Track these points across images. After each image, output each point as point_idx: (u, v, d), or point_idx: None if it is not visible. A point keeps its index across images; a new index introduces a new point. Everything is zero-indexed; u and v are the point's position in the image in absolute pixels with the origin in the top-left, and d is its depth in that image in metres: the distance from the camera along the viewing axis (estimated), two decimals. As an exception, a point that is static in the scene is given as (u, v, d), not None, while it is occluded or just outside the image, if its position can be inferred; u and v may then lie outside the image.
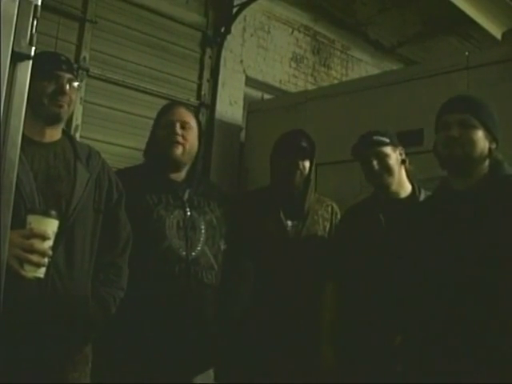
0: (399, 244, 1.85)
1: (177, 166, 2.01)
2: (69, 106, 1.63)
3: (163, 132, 2.00)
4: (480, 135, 1.61)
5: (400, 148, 2.15)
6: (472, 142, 1.60)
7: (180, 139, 1.97)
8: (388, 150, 2.10)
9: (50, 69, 1.59)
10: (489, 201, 1.56)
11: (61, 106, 1.60)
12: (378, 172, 2.09)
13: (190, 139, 2.01)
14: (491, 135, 1.63)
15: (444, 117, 1.67)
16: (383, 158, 2.09)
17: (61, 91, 1.60)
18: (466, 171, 1.64)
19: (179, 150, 1.97)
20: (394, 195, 2.12)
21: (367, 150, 2.12)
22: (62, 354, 1.53)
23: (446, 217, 1.64)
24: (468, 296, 1.51)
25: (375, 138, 2.11)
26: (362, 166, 2.16)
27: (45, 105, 1.58)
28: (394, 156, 2.11)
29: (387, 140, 2.11)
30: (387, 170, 2.09)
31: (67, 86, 1.61)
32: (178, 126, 1.99)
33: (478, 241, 1.52)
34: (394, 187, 2.11)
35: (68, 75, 1.63)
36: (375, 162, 2.09)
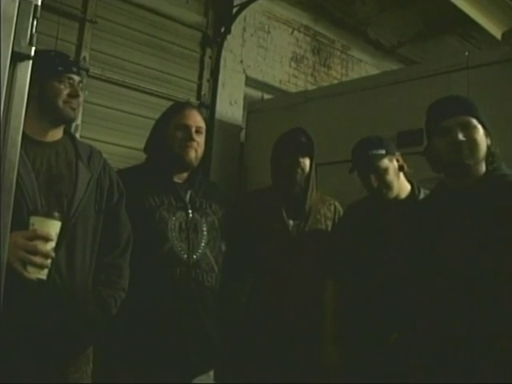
0: (398, 243, 1.85)
1: (187, 169, 2.02)
2: (79, 107, 1.66)
3: (177, 134, 1.98)
4: (481, 134, 1.61)
5: (397, 154, 2.11)
6: (477, 144, 1.60)
7: (195, 144, 1.99)
8: (385, 163, 2.06)
9: (62, 71, 1.61)
10: (484, 200, 1.56)
11: (75, 109, 1.63)
12: (376, 188, 2.07)
13: (201, 144, 2.03)
14: (487, 131, 1.63)
15: (443, 122, 1.64)
16: (381, 174, 2.06)
17: (75, 94, 1.62)
18: (468, 173, 1.63)
19: (193, 154, 1.99)
20: (393, 197, 2.11)
21: (364, 167, 2.08)
22: (64, 355, 1.53)
23: (442, 216, 1.64)
24: (465, 293, 1.51)
25: (370, 152, 2.05)
26: (361, 180, 2.13)
27: (59, 107, 1.59)
28: (391, 167, 2.07)
29: (383, 151, 2.06)
30: (386, 185, 2.07)
31: (79, 89, 1.64)
32: (193, 130, 1.99)
33: (475, 239, 1.52)
34: (392, 195, 2.10)
35: (78, 78, 1.66)
36: (373, 179, 2.06)
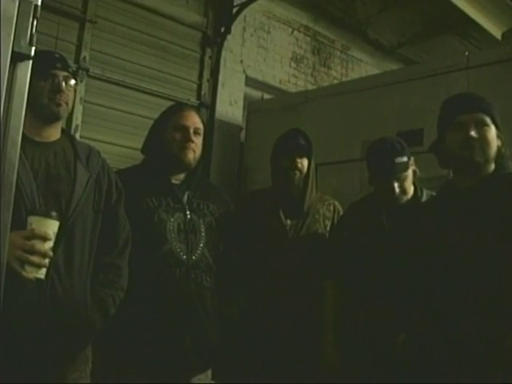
0: (402, 243, 1.85)
1: (185, 170, 2.02)
2: (67, 103, 1.64)
3: (175, 135, 1.99)
4: (493, 133, 1.61)
5: (412, 159, 2.10)
6: (488, 142, 1.60)
7: (193, 146, 1.99)
8: (408, 171, 2.06)
9: (45, 68, 1.59)
10: (491, 198, 1.56)
11: (59, 104, 1.61)
12: (397, 195, 2.05)
13: (199, 145, 2.03)
14: (499, 132, 1.63)
15: (458, 117, 1.63)
16: (404, 181, 2.05)
17: (58, 89, 1.60)
18: (477, 171, 1.62)
19: (191, 156, 1.99)
20: None
21: (390, 175, 2.04)
22: (62, 355, 1.53)
23: (449, 215, 1.63)
24: (471, 293, 1.50)
25: (397, 160, 2.02)
26: (379, 185, 2.11)
27: (44, 104, 1.58)
28: (410, 174, 2.07)
29: (407, 159, 2.05)
30: (405, 191, 2.06)
31: (63, 84, 1.62)
32: (192, 131, 2.00)
33: (480, 238, 1.52)
34: (406, 200, 2.09)
35: (63, 73, 1.63)
36: (397, 186, 2.03)
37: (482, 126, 1.60)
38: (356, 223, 2.15)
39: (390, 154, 2.04)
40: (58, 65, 1.63)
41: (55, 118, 1.63)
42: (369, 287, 2.00)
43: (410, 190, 2.09)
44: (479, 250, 1.52)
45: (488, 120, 1.61)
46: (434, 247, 1.63)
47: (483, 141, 1.59)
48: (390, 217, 2.07)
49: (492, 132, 1.60)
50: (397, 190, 2.04)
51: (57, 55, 1.68)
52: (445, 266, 1.58)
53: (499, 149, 1.62)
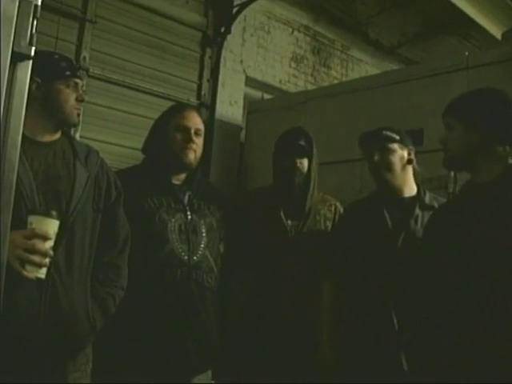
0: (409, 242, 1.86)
1: (185, 170, 2.03)
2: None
3: (176, 135, 1.99)
4: (459, 134, 1.61)
5: (410, 148, 2.12)
6: (452, 143, 1.63)
7: (194, 146, 2.00)
8: (394, 146, 2.08)
9: (68, 75, 1.63)
10: (502, 193, 1.55)
11: (79, 114, 1.67)
12: (377, 166, 2.07)
13: (200, 145, 2.04)
14: (479, 130, 1.58)
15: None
16: (386, 154, 2.06)
17: (81, 99, 1.66)
18: (468, 169, 1.65)
19: (192, 156, 2.00)
20: (397, 193, 2.10)
21: (373, 143, 2.10)
22: (63, 354, 1.53)
23: (464, 210, 1.63)
24: (480, 293, 1.49)
25: (385, 132, 2.09)
26: (367, 160, 2.14)
27: (66, 112, 1.62)
28: (399, 154, 2.08)
29: (396, 137, 2.09)
30: (387, 166, 2.06)
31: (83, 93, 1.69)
32: (192, 132, 2.00)
33: (492, 233, 1.50)
34: (394, 184, 2.08)
35: (81, 82, 1.69)
36: (377, 156, 2.07)
37: (448, 129, 1.64)
38: (357, 221, 2.14)
39: (380, 129, 2.11)
40: (78, 73, 1.68)
41: (74, 126, 1.71)
42: (369, 285, 2.00)
43: (398, 171, 2.07)
44: (488, 244, 1.50)
45: (452, 122, 1.63)
46: (451, 246, 1.61)
47: (449, 142, 1.64)
48: (392, 214, 2.06)
49: (455, 133, 1.62)
50: (376, 160, 2.06)
51: (73, 62, 1.73)
52: (461, 264, 1.56)
53: (475, 146, 1.59)
